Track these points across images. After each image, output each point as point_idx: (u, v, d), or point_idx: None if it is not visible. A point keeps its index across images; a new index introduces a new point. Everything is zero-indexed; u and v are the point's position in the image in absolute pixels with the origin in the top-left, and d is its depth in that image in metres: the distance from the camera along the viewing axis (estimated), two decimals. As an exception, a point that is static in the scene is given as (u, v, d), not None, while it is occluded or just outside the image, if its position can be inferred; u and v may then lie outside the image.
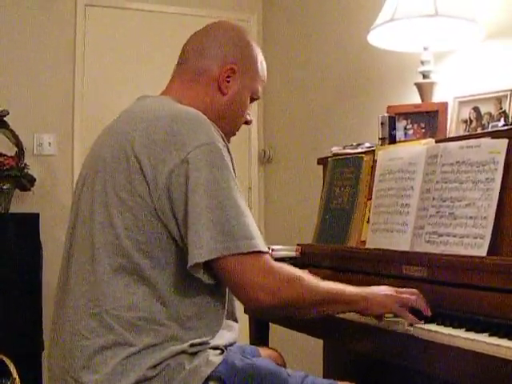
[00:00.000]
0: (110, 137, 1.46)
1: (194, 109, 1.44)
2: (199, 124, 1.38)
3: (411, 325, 1.48)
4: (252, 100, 1.65)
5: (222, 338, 1.46)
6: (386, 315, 1.53)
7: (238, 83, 1.58)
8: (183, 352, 1.35)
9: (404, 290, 1.53)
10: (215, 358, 1.39)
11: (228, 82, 1.56)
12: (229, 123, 1.59)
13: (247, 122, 1.68)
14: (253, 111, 1.71)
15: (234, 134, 1.66)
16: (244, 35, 1.62)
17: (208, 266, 1.32)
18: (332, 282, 1.45)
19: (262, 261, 1.32)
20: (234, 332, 1.53)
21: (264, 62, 1.66)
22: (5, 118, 3.33)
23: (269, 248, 1.47)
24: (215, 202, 1.30)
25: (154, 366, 1.32)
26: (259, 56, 1.64)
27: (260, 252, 1.31)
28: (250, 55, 1.61)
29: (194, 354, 1.37)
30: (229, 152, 1.41)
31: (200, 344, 1.38)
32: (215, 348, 1.42)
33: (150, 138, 1.36)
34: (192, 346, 1.36)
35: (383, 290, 1.52)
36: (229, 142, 1.62)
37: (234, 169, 1.40)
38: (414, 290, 1.54)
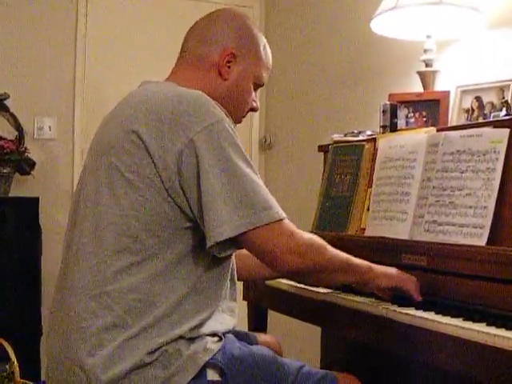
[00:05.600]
0: (113, 120, 1.46)
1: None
2: (204, 104, 1.38)
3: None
4: (256, 86, 1.63)
5: (222, 322, 1.46)
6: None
7: (240, 68, 1.57)
8: (181, 337, 1.35)
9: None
10: (213, 345, 1.39)
11: (229, 67, 1.56)
12: (232, 110, 1.57)
13: (253, 109, 1.66)
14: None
15: (240, 122, 1.64)
16: (246, 22, 1.61)
17: (227, 241, 1.33)
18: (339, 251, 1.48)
19: (285, 227, 1.37)
20: (234, 316, 1.54)
21: (268, 49, 1.64)
22: (5, 102, 3.32)
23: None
24: (230, 179, 1.33)
25: (152, 352, 1.32)
26: (261, 42, 1.62)
27: (281, 219, 1.36)
28: (251, 40, 1.59)
29: (192, 339, 1.37)
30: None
31: (198, 327, 1.38)
32: (213, 335, 1.42)
33: (156, 117, 1.36)
34: (191, 330, 1.36)
35: (387, 267, 1.56)
36: None
37: None
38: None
